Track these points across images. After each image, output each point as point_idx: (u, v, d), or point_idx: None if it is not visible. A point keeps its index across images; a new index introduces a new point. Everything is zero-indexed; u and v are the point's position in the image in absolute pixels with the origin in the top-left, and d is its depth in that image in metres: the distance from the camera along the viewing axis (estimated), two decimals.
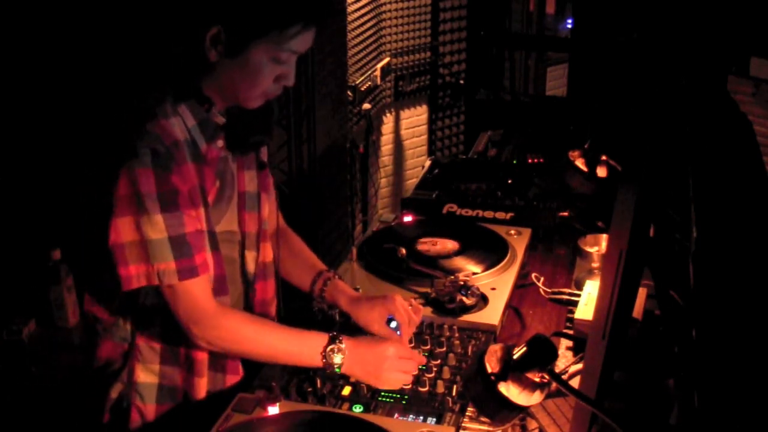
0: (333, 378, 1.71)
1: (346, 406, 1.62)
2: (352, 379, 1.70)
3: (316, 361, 1.69)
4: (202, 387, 1.76)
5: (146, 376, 1.78)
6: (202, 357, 1.75)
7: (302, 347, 1.70)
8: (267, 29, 1.61)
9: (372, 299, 1.89)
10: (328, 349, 1.68)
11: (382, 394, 1.66)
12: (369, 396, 1.66)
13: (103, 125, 1.71)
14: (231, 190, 1.80)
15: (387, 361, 1.70)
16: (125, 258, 1.61)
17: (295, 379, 1.70)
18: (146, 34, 1.84)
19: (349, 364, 1.69)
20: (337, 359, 1.68)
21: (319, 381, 1.67)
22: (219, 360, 1.77)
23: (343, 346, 1.68)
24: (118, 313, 1.78)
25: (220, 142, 1.73)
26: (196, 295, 1.66)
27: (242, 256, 1.87)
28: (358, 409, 1.61)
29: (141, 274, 1.62)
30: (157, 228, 1.60)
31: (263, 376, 1.73)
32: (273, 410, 1.57)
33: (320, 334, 1.71)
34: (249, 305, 1.89)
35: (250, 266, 1.88)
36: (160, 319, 1.74)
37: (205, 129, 1.70)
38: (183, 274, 1.63)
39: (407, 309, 1.86)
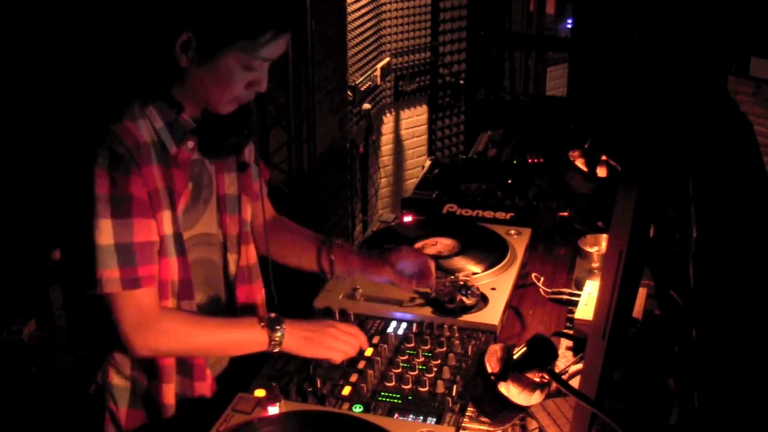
0: (333, 378, 1.71)
1: (346, 406, 1.62)
2: (305, 355, 1.74)
3: (262, 343, 1.70)
4: (170, 393, 1.76)
5: (119, 380, 1.79)
6: (169, 362, 1.74)
7: (244, 332, 1.71)
8: (238, 37, 1.60)
9: (382, 257, 1.96)
10: (269, 326, 1.70)
11: (382, 394, 1.66)
12: (369, 396, 1.66)
13: (71, 125, 1.71)
14: (208, 193, 1.80)
15: (328, 334, 1.74)
16: (76, 262, 1.62)
17: (296, 379, 1.70)
18: (116, 37, 1.84)
19: (289, 338, 1.71)
20: (278, 334, 1.69)
21: (319, 381, 1.67)
22: (186, 364, 1.77)
23: (282, 323, 1.71)
24: (90, 318, 1.78)
25: (191, 144, 1.71)
26: (138, 305, 1.63)
27: (224, 259, 1.87)
28: (358, 409, 1.61)
29: (87, 281, 1.60)
30: (105, 233, 1.58)
31: (263, 376, 1.73)
32: (273, 410, 1.57)
33: (254, 317, 1.73)
34: (232, 309, 1.89)
35: (231, 269, 1.88)
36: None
37: (174, 131, 1.68)
38: (126, 284, 1.60)
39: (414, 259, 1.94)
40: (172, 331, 1.67)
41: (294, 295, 2.02)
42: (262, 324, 1.70)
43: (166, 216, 1.66)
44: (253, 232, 1.95)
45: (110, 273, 1.59)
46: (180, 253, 1.69)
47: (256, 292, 1.93)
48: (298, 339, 1.73)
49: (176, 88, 1.67)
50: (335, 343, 1.75)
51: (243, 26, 1.59)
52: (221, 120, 1.72)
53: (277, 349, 1.71)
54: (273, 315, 1.73)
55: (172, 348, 1.70)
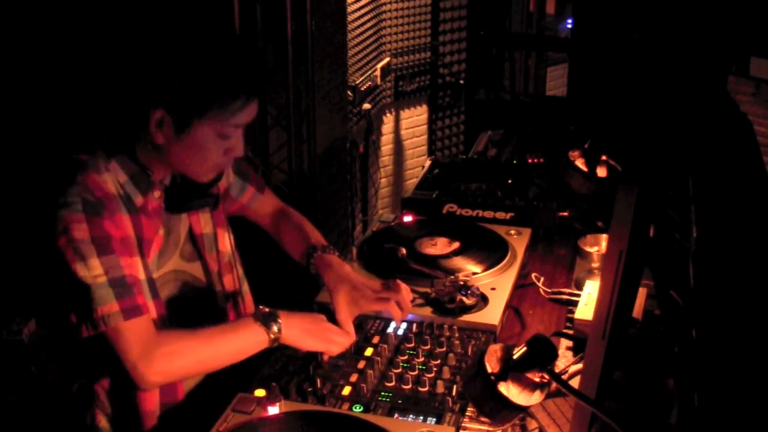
0: (333, 378, 1.71)
1: (346, 406, 1.62)
2: (304, 349, 1.74)
3: (262, 341, 1.69)
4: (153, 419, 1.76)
5: (105, 422, 1.79)
6: (150, 409, 1.74)
7: (242, 335, 1.69)
8: (209, 107, 1.62)
9: (359, 289, 1.86)
10: (264, 323, 1.69)
11: (382, 394, 1.66)
12: (369, 396, 1.66)
13: (38, 176, 1.74)
14: (177, 235, 1.84)
15: (326, 328, 1.75)
16: (69, 308, 1.62)
17: (295, 379, 1.70)
18: (91, 101, 1.88)
19: (287, 330, 1.70)
20: (275, 328, 1.68)
21: (319, 381, 1.67)
22: (168, 405, 1.78)
23: (277, 316, 1.70)
24: (74, 361, 1.79)
25: (157, 193, 1.74)
26: (140, 333, 1.62)
27: (213, 292, 1.91)
28: (358, 409, 1.61)
29: (87, 322, 1.60)
30: (96, 272, 1.59)
31: (263, 376, 1.73)
32: (273, 410, 1.57)
33: (248, 317, 1.71)
34: None
35: (219, 301, 1.93)
36: (108, 369, 1.73)
37: (139, 182, 1.71)
38: (128, 314, 1.61)
39: (398, 311, 1.85)
40: (177, 350, 1.65)
41: (293, 292, 2.03)
42: (258, 322, 1.69)
43: (138, 263, 1.69)
44: (261, 222, 2.09)
45: (110, 307, 1.60)
46: (154, 295, 1.72)
47: (247, 312, 1.99)
48: (297, 330, 1.72)
49: (143, 154, 1.70)
50: (333, 336, 1.75)
51: (213, 97, 1.63)
52: (187, 181, 1.76)
53: (277, 344, 1.70)
54: (266, 310, 1.71)
55: (182, 366, 1.67)
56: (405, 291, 1.87)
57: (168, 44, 1.66)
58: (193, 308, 1.87)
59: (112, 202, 1.66)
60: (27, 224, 1.73)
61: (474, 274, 2.08)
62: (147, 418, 1.75)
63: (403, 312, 1.85)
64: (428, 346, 1.82)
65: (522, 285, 2.18)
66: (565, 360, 1.83)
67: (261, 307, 1.73)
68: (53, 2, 2.82)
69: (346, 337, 1.77)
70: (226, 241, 1.94)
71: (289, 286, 2.09)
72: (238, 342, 1.70)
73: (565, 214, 2.52)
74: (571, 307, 2.05)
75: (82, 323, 1.60)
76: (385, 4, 4.35)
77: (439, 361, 1.77)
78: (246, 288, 2.05)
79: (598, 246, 2.16)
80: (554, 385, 1.44)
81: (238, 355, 1.71)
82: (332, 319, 1.82)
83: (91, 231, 1.60)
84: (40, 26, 2.81)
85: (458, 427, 1.56)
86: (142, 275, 1.69)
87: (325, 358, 1.75)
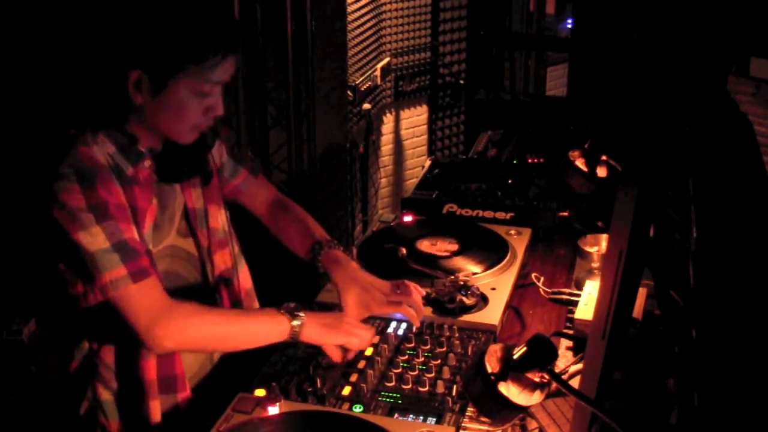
0: (333, 378, 1.71)
1: (346, 406, 1.62)
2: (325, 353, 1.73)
3: (282, 333, 1.69)
4: (156, 410, 1.76)
5: (108, 394, 1.79)
6: (153, 377, 1.74)
7: (264, 322, 1.71)
8: (184, 64, 1.62)
9: (369, 292, 1.86)
10: (290, 315, 1.69)
11: (382, 394, 1.66)
12: (369, 396, 1.66)
13: (28, 151, 1.75)
14: (173, 210, 1.83)
15: (346, 322, 1.74)
16: (74, 277, 1.61)
17: (295, 379, 1.70)
18: (69, 73, 1.87)
19: (308, 327, 1.70)
20: (297, 323, 1.69)
21: (319, 381, 1.67)
22: (168, 379, 1.77)
23: (301, 312, 1.70)
24: (74, 333, 1.79)
25: (147, 163, 1.73)
26: (154, 294, 1.63)
27: (203, 269, 1.90)
28: (358, 409, 1.61)
29: (95, 290, 1.60)
30: (99, 239, 1.59)
31: (263, 376, 1.73)
32: (273, 410, 1.57)
33: (273, 308, 1.72)
34: None
35: (210, 277, 1.91)
36: (111, 338, 1.74)
37: (128, 153, 1.70)
38: (136, 277, 1.61)
39: (413, 314, 1.85)
40: (193, 318, 1.66)
41: (292, 291, 2.02)
42: (283, 313, 1.70)
43: (135, 231, 1.67)
44: (256, 212, 2.06)
45: (117, 272, 1.59)
46: (151, 265, 1.71)
47: (241, 291, 1.96)
48: (317, 326, 1.72)
49: (130, 124, 1.70)
50: (353, 329, 1.75)
51: (189, 53, 1.62)
52: (177, 148, 1.75)
53: (295, 339, 1.70)
54: (292, 305, 1.72)
55: (196, 336, 1.68)
56: (415, 292, 1.88)
57: (141, 3, 1.64)
58: (187, 284, 1.86)
59: (104, 172, 1.64)
60: (25, 222, 1.73)
61: (474, 274, 2.08)
62: (149, 387, 1.74)
63: (418, 314, 1.85)
64: (428, 346, 1.82)
65: (522, 285, 2.18)
66: (565, 360, 1.83)
67: (285, 303, 1.72)
68: None
69: (368, 331, 1.77)
70: (219, 219, 1.92)
71: (289, 281, 2.08)
72: (257, 327, 1.71)
73: (565, 214, 2.52)
74: (571, 307, 2.05)
75: (89, 291, 1.60)
76: (385, 4, 4.35)
77: (439, 361, 1.76)
78: (243, 267, 2.01)
79: (598, 246, 2.16)
80: (554, 385, 1.44)
81: (253, 341, 1.72)
82: None
83: (87, 199, 1.59)
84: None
85: (458, 427, 1.56)
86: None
87: (337, 359, 1.73)
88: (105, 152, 1.67)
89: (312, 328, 1.71)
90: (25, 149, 1.87)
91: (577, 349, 1.85)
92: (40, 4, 2.72)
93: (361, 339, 1.74)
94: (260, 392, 1.64)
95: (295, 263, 2.06)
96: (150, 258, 1.69)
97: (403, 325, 1.91)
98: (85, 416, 1.81)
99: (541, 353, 1.44)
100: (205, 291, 1.89)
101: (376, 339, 1.83)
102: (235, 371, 1.86)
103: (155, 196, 1.76)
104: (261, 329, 1.71)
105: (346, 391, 1.67)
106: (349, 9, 3.85)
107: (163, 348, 1.66)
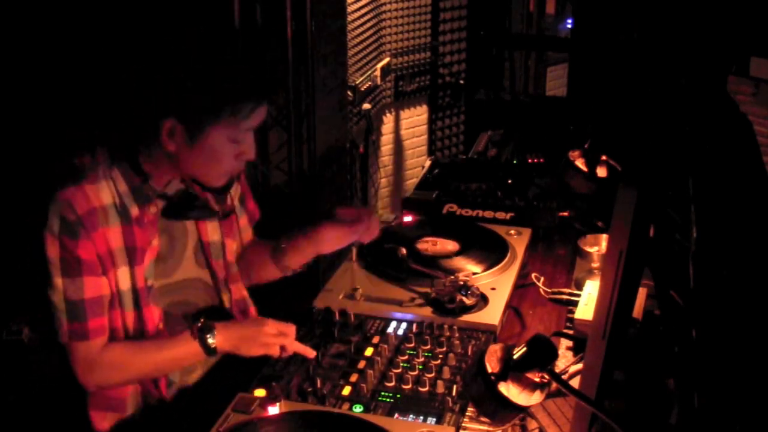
0: (333, 378, 1.71)
1: (346, 406, 1.62)
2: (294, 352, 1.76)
3: (197, 353, 1.75)
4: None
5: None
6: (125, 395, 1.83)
7: (179, 347, 1.75)
8: (220, 114, 1.64)
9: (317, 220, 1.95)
10: (199, 335, 1.73)
11: (382, 394, 1.66)
12: (369, 396, 1.66)
13: (30, 184, 1.79)
14: (184, 241, 1.86)
15: (263, 332, 1.75)
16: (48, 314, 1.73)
17: (295, 379, 1.70)
18: (104, 114, 1.90)
19: (222, 341, 1.74)
20: (210, 340, 1.73)
21: (319, 381, 1.67)
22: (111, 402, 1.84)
23: (212, 328, 1.74)
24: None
25: (153, 209, 1.76)
26: (87, 353, 1.73)
27: (220, 298, 1.94)
28: (358, 409, 1.61)
29: (57, 330, 1.72)
30: (57, 291, 1.69)
31: (263, 376, 1.73)
32: (273, 410, 1.57)
33: (185, 331, 1.77)
34: None
35: (226, 304, 1.95)
36: None
37: (138, 195, 1.72)
38: (73, 336, 1.71)
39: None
40: (116, 365, 1.75)
41: (292, 297, 2.02)
42: (193, 335, 1.74)
43: (123, 273, 1.72)
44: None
45: (64, 326, 1.70)
46: (136, 306, 1.76)
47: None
48: (232, 340, 1.76)
49: (148, 160, 1.71)
50: (270, 339, 1.76)
51: (225, 102, 1.64)
52: (185, 192, 1.78)
53: (213, 354, 1.75)
54: (201, 322, 1.75)
55: (118, 380, 1.78)
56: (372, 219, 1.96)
57: (175, 52, 1.67)
58: (204, 314, 1.88)
59: (97, 216, 1.67)
60: (25, 224, 1.75)
61: (474, 274, 2.08)
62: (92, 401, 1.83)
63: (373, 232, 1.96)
64: (428, 346, 1.82)
65: (522, 285, 2.18)
66: (565, 360, 1.83)
67: (202, 320, 1.76)
68: (59, 5, 2.83)
69: (287, 330, 1.78)
70: (234, 251, 1.97)
71: (285, 291, 2.08)
72: (174, 354, 1.76)
73: (565, 214, 2.52)
74: (571, 307, 2.05)
75: (55, 330, 1.72)
76: (385, 4, 4.35)
77: (439, 361, 1.76)
78: (249, 301, 2.04)
79: (598, 246, 2.16)
80: (554, 385, 1.44)
81: (175, 366, 1.81)
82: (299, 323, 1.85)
83: (61, 252, 1.66)
84: (45, 28, 2.81)
85: (458, 427, 1.56)
86: (125, 285, 1.73)
87: (275, 354, 1.76)
88: (114, 190, 1.70)
89: (227, 342, 1.75)
90: (37, 169, 1.92)
91: (577, 349, 1.85)
92: (86, 41, 2.75)
93: (277, 346, 1.76)
94: (260, 392, 1.64)
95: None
96: (142, 297, 1.75)
97: (403, 325, 1.91)
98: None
99: (541, 353, 1.44)
100: (222, 318, 1.92)
101: (376, 339, 1.83)
102: (235, 371, 1.86)
103: (161, 232, 1.79)
104: (177, 355, 1.77)
105: (346, 391, 1.67)
106: (349, 9, 3.85)
107: (93, 390, 1.79)
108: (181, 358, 1.78)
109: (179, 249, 1.85)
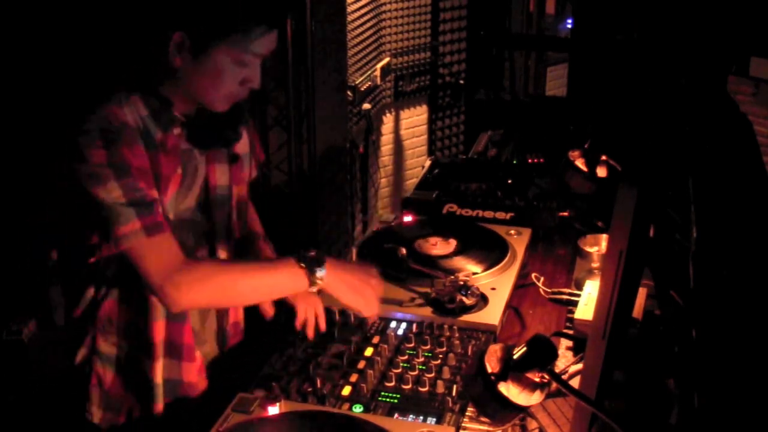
0: (333, 378, 1.71)
1: (346, 406, 1.62)
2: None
3: (302, 284, 1.69)
4: (158, 371, 1.78)
5: (107, 346, 1.80)
6: (159, 339, 1.76)
7: (282, 273, 1.69)
8: (229, 32, 1.62)
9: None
10: (308, 266, 1.68)
11: (382, 394, 1.66)
12: (369, 396, 1.66)
13: (59, 116, 1.73)
14: (192, 181, 1.81)
15: (371, 286, 1.73)
16: (90, 229, 1.64)
17: (295, 379, 1.70)
18: (106, 35, 1.87)
19: (329, 279, 1.69)
20: (320, 272, 1.68)
21: (319, 381, 1.67)
22: (174, 345, 1.78)
23: (323, 262, 1.69)
24: (81, 282, 1.80)
25: (177, 131, 1.72)
26: (166, 251, 1.64)
27: (212, 246, 1.88)
28: (358, 409, 1.61)
29: (110, 241, 1.61)
30: (114, 194, 1.60)
31: (263, 376, 1.73)
32: (273, 410, 1.57)
33: (291, 257, 1.70)
34: None
35: (221, 255, 1.89)
36: (117, 292, 1.76)
37: (160, 119, 1.69)
38: (150, 231, 1.62)
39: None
40: (206, 274, 1.67)
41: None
42: (301, 264, 1.69)
43: (156, 194, 1.67)
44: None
45: (132, 226, 1.61)
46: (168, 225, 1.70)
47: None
48: (338, 281, 1.72)
49: (166, 86, 1.69)
50: (369, 292, 1.74)
51: (235, 21, 1.62)
52: (212, 114, 1.74)
53: (313, 287, 1.69)
54: (312, 253, 1.70)
55: (209, 292, 1.68)
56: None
57: None
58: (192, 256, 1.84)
59: (131, 133, 1.64)
60: (26, 222, 1.74)
61: (474, 274, 2.08)
62: (153, 347, 1.76)
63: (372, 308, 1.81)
64: (428, 346, 1.82)
65: (522, 285, 2.18)
66: (565, 360, 1.83)
67: (315, 251, 1.71)
68: None
69: (380, 291, 1.76)
70: (241, 199, 1.92)
71: None
72: (275, 279, 1.70)
73: (565, 214, 2.52)
74: (571, 307, 2.05)
75: (103, 243, 1.62)
76: (385, 4, 4.35)
77: (439, 361, 1.77)
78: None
79: (598, 246, 2.16)
80: (554, 385, 1.45)
81: (272, 293, 1.74)
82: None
83: (109, 157, 1.60)
84: None
85: (458, 427, 1.56)
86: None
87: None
88: (136, 114, 1.67)
89: (334, 282, 1.71)
90: (55, 106, 1.87)
91: (577, 349, 1.85)
92: None
93: (373, 307, 1.75)
94: (260, 392, 1.64)
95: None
96: (170, 227, 1.69)
97: (403, 325, 1.91)
98: (81, 364, 1.82)
99: (541, 353, 1.44)
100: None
101: (376, 339, 1.84)
102: (236, 371, 1.86)
103: (181, 165, 1.75)
104: (277, 281, 1.71)
105: (346, 391, 1.67)
106: (349, 9, 3.85)
107: (177, 305, 1.67)
108: (279, 286, 1.71)
109: (187, 185, 1.80)
